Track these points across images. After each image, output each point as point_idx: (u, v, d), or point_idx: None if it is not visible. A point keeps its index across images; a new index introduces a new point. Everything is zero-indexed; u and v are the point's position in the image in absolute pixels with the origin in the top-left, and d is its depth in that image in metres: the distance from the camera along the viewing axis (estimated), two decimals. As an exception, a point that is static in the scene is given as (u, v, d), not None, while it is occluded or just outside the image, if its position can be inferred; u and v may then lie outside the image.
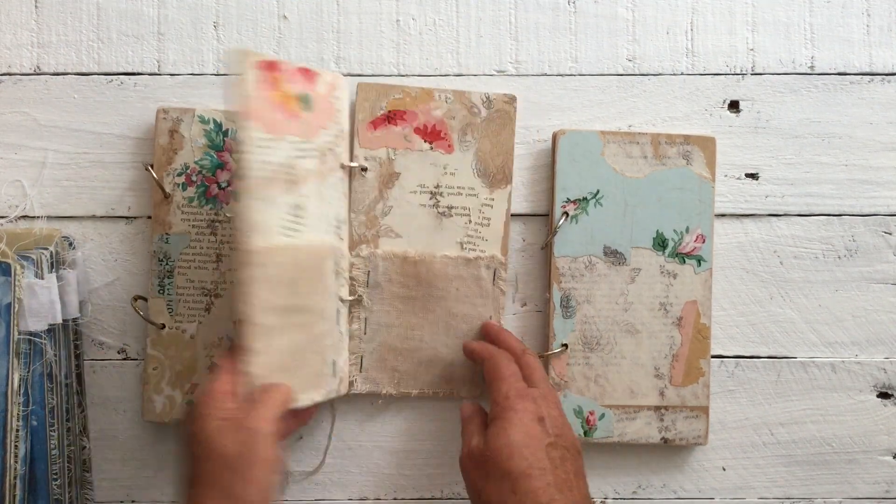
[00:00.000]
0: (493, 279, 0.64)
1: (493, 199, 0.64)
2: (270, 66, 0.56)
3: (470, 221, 0.64)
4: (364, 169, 0.63)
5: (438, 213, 0.64)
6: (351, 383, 0.64)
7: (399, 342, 0.64)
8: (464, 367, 0.65)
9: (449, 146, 0.64)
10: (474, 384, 0.65)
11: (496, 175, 0.64)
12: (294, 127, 0.57)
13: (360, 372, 0.64)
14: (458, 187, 0.64)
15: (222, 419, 0.52)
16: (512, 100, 0.64)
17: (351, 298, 0.63)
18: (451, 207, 0.64)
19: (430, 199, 0.64)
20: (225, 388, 0.53)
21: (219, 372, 0.54)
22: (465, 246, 0.64)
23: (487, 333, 0.63)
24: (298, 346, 0.57)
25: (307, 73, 0.58)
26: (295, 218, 0.57)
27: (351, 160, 0.63)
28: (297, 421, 0.62)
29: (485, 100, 0.64)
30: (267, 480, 0.51)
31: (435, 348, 0.64)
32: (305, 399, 0.58)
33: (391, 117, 0.63)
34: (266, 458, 0.51)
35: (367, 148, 0.63)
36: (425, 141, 0.64)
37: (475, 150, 0.64)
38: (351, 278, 0.63)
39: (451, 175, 0.64)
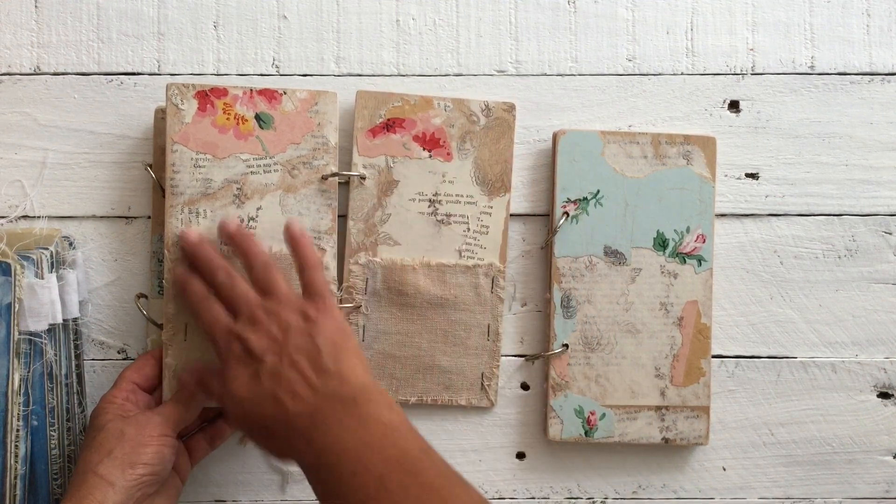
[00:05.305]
0: (492, 287, 0.64)
1: (491, 207, 0.64)
2: (215, 93, 0.60)
3: (468, 229, 0.64)
4: (363, 177, 0.63)
5: (437, 220, 0.64)
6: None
7: (397, 349, 0.64)
8: (462, 375, 0.65)
9: (448, 154, 0.64)
10: (473, 391, 0.65)
11: (495, 183, 0.64)
12: (247, 146, 0.61)
13: (359, 377, 0.64)
14: (456, 195, 0.64)
15: (114, 404, 0.57)
16: (511, 108, 0.64)
17: (349, 306, 0.63)
18: (450, 215, 0.64)
19: (429, 206, 0.64)
20: (133, 377, 0.59)
21: (135, 363, 0.60)
22: (463, 254, 0.64)
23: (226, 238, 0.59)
24: None
25: (268, 94, 0.61)
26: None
27: (350, 168, 0.63)
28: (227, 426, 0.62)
29: (484, 108, 0.64)
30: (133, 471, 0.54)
31: (433, 356, 0.64)
32: None
33: (390, 125, 0.63)
34: (140, 445, 0.54)
35: (365, 156, 0.63)
36: (424, 149, 0.63)
37: (474, 158, 0.64)
38: (349, 286, 0.63)
39: (449, 183, 0.64)
